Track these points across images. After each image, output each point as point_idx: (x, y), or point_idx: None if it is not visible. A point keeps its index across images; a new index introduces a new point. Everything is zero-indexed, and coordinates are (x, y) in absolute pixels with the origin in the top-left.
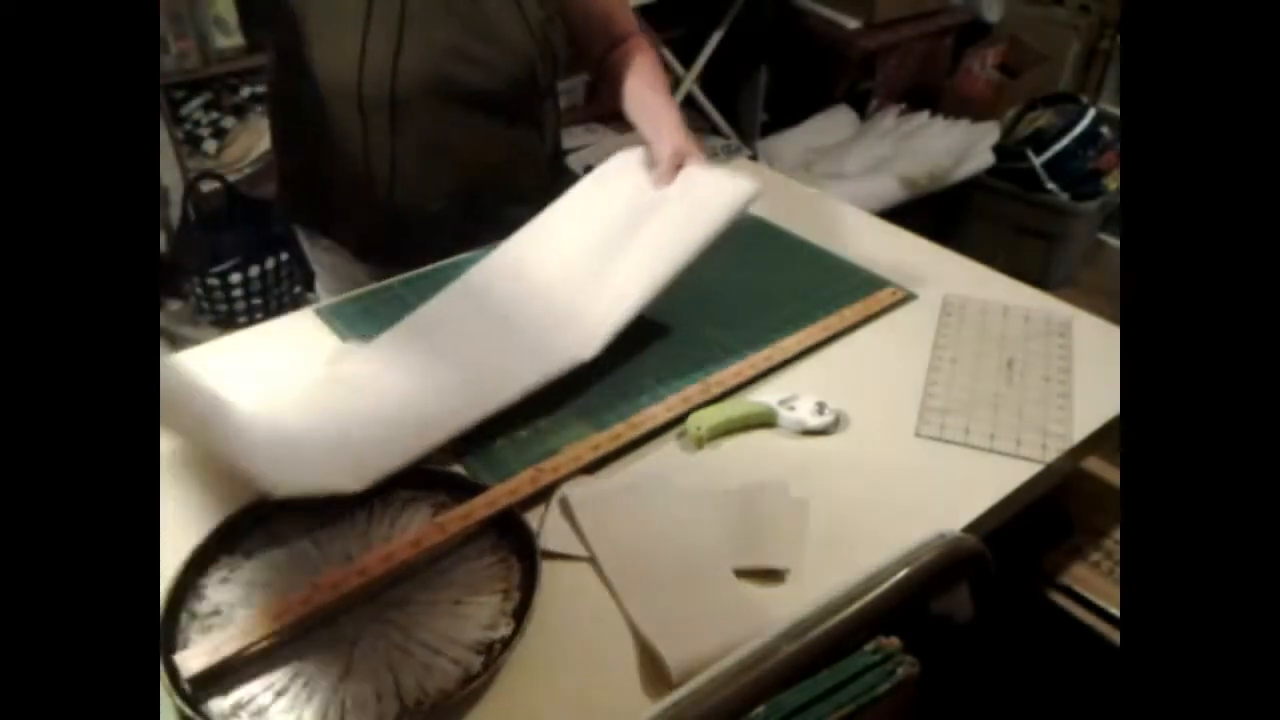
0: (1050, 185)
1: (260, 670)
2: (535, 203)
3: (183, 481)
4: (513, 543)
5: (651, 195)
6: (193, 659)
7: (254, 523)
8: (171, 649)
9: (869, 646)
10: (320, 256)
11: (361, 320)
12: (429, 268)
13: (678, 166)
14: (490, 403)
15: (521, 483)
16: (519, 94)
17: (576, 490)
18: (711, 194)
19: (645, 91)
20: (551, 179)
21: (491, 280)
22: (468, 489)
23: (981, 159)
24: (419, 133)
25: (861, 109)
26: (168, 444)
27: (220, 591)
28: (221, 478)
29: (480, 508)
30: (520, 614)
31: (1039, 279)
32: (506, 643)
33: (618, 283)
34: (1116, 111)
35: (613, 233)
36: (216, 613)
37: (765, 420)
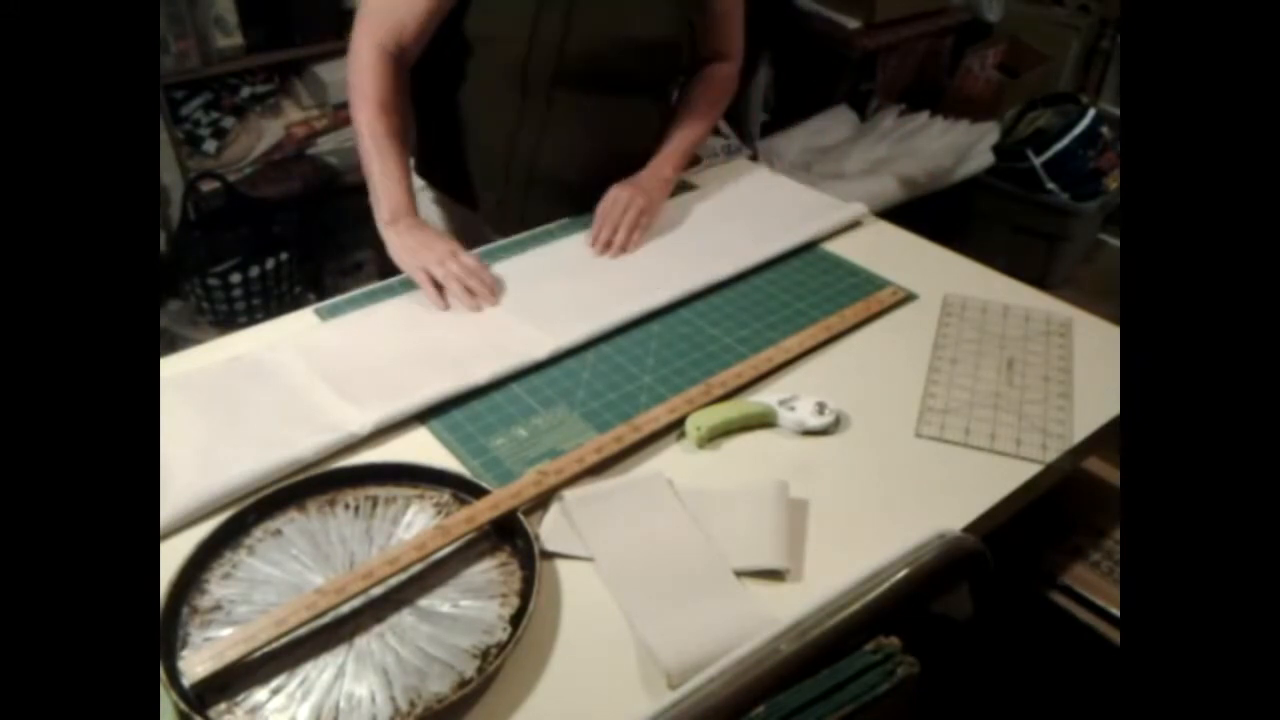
0: (1050, 185)
1: (257, 667)
2: None
3: (187, 475)
4: (514, 546)
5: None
6: (197, 664)
7: (257, 518)
8: (172, 644)
9: (869, 646)
10: (443, 212)
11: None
12: None
13: (605, 214)
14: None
15: (525, 485)
16: (664, 73)
17: (575, 490)
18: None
19: (678, 125)
20: None
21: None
22: (470, 489)
23: (981, 159)
24: (572, 109)
25: (861, 109)
26: (176, 439)
27: (222, 587)
28: (226, 470)
29: (484, 511)
30: (518, 620)
31: (1039, 279)
32: (503, 648)
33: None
34: (1116, 111)
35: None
36: (218, 608)
37: (765, 420)
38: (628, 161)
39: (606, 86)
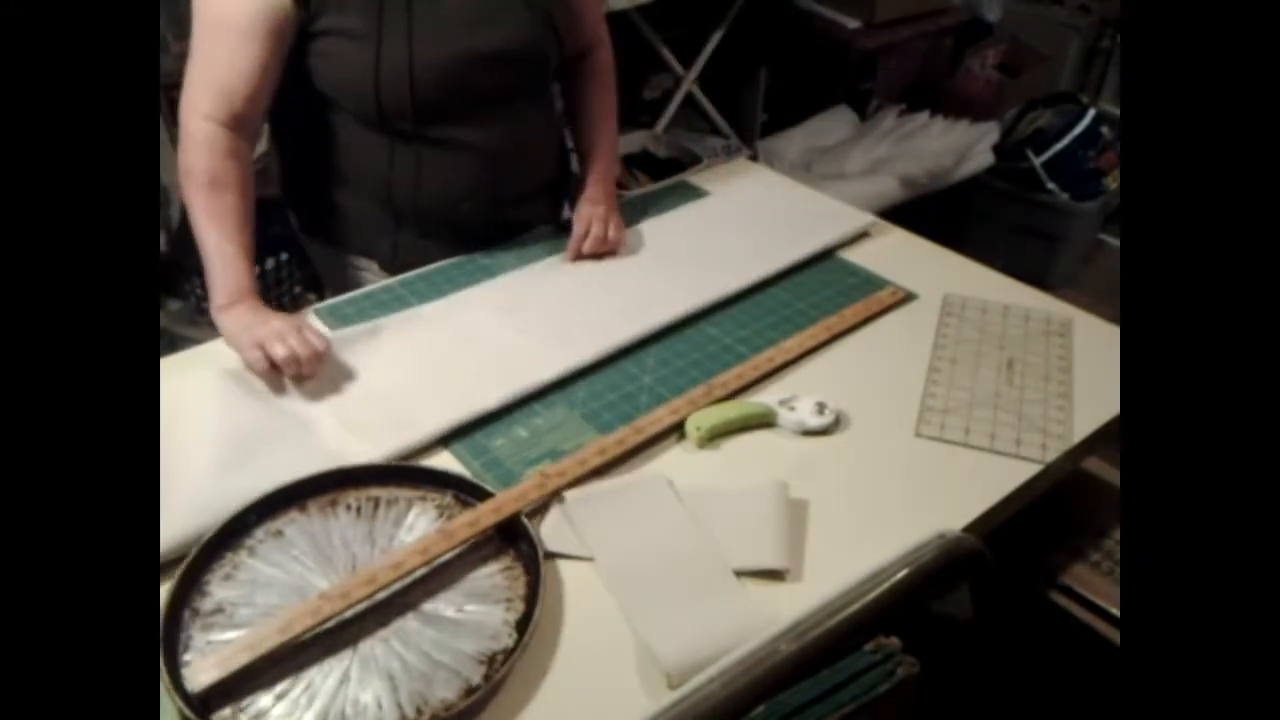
0: (1050, 185)
1: (262, 672)
2: (550, 193)
3: (186, 477)
4: (518, 550)
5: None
6: (202, 672)
7: (258, 519)
8: (173, 647)
9: (869, 646)
10: (342, 273)
11: (361, 321)
12: (432, 267)
13: (584, 233)
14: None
15: (528, 488)
16: (531, 75)
17: (575, 490)
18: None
19: (596, 132)
20: (562, 165)
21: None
22: (472, 491)
23: (981, 159)
24: (441, 134)
25: (861, 109)
26: (174, 439)
27: (224, 588)
28: (225, 471)
29: (487, 514)
30: (523, 626)
31: (1039, 279)
32: (509, 655)
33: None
34: (1116, 111)
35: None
36: (219, 610)
37: (765, 420)
38: (523, 181)
39: (474, 104)
